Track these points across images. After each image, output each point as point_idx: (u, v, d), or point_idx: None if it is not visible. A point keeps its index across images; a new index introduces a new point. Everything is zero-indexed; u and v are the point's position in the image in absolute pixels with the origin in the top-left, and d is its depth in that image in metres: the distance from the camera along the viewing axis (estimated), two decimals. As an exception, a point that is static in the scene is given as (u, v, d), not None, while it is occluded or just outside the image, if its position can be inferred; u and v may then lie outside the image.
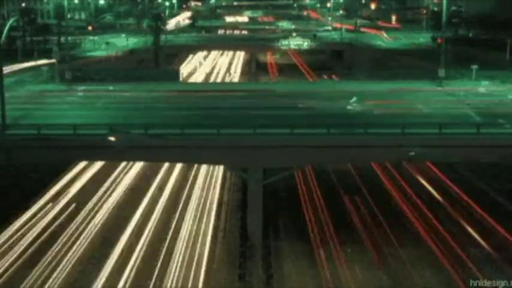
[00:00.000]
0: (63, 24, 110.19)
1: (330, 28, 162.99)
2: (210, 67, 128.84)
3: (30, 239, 44.16)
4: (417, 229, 45.81)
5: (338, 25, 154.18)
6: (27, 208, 49.30)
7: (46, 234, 45.03)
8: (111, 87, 60.58)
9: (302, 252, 42.27)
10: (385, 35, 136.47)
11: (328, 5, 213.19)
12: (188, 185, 56.15)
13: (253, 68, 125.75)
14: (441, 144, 41.09)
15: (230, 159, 42.92)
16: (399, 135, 41.21)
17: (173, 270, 39.80)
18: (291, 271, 39.99)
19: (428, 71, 68.04)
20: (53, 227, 46.26)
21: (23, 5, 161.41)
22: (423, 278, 38.73)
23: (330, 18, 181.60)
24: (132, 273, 39.31)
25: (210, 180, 57.33)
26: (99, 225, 47.01)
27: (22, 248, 42.76)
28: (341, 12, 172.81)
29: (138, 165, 59.97)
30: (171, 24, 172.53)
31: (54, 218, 47.97)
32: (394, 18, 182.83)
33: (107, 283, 38.24)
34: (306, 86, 77.53)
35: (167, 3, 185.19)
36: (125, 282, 38.29)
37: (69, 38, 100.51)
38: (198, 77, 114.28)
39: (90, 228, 46.29)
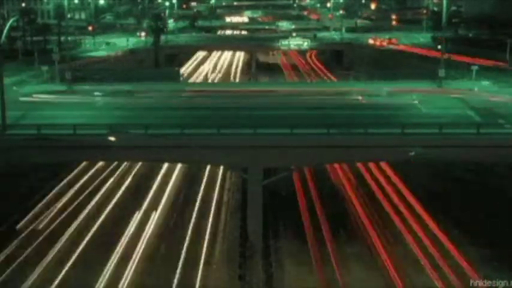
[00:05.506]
0: (63, 24, 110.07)
1: (329, 28, 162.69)
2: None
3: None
4: (414, 229, 45.88)
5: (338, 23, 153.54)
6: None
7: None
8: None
9: (302, 252, 42.27)
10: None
11: (328, 5, 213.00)
12: (188, 185, 56.11)
13: (253, 68, 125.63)
14: (441, 144, 41.12)
15: (230, 159, 42.92)
16: (399, 135, 41.24)
17: (173, 270, 39.80)
18: (291, 271, 40.01)
19: (429, 71, 68.00)
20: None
21: (23, 5, 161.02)
22: (422, 277, 38.78)
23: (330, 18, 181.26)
24: (133, 273, 39.34)
25: (209, 180, 57.28)
26: (96, 227, 47.07)
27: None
28: (341, 12, 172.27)
29: (135, 166, 59.89)
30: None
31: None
32: (394, 18, 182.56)
33: (108, 283, 38.28)
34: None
35: (167, 3, 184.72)
36: (125, 282, 38.33)
37: (69, 38, 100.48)
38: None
39: (88, 230, 46.26)
